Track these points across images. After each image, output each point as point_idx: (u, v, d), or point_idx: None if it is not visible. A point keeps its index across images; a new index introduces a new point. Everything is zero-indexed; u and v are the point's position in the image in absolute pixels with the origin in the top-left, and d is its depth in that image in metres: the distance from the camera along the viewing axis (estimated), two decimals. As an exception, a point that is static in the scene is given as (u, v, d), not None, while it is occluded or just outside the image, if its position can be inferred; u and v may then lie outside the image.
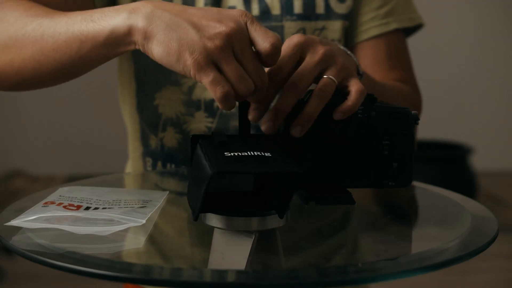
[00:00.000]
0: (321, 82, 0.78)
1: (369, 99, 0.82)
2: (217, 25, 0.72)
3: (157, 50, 0.74)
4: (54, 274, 2.54)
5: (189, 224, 0.84)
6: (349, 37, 1.14)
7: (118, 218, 0.76)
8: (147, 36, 0.75)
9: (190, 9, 0.75)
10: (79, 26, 0.80)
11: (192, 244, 0.80)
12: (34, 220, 0.76)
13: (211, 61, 0.72)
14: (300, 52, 0.79)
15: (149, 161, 1.13)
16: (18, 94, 4.00)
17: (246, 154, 0.72)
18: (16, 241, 0.72)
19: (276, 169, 0.71)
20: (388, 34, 1.14)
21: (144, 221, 0.76)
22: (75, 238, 0.73)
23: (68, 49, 0.82)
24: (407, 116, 0.82)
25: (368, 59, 1.14)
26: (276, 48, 0.73)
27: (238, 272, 0.66)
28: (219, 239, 0.73)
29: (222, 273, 0.65)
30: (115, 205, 0.81)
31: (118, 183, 1.08)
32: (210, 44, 0.72)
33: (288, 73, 0.78)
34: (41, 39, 0.84)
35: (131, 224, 0.75)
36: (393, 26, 1.14)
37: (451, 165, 3.17)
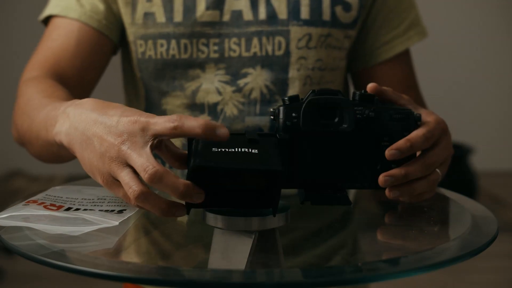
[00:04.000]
0: (434, 176, 0.83)
1: (369, 99, 0.82)
2: (115, 143, 0.73)
3: (81, 163, 0.78)
4: (54, 274, 2.54)
5: (189, 224, 0.84)
6: (368, 57, 1.15)
7: (91, 219, 0.76)
8: (72, 151, 0.79)
9: (93, 127, 0.75)
10: (44, 133, 0.88)
11: (192, 244, 0.80)
12: (8, 218, 0.76)
13: (114, 179, 0.74)
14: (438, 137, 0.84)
15: None
16: (18, 94, 4.01)
17: (233, 150, 0.72)
18: (16, 241, 0.72)
19: (254, 166, 0.70)
20: (406, 50, 1.17)
21: (117, 223, 0.76)
22: (75, 238, 0.73)
23: (44, 146, 0.92)
24: (408, 117, 0.82)
25: (396, 78, 1.16)
26: (176, 130, 0.72)
27: (238, 272, 0.66)
28: (219, 239, 0.73)
29: (222, 273, 0.66)
30: (98, 205, 0.81)
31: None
32: (111, 165, 0.73)
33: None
34: (32, 131, 0.95)
35: (104, 225, 0.75)
36: (416, 39, 1.16)
37: (451, 165, 3.17)
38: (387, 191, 0.81)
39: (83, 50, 1.10)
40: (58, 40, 1.10)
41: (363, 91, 0.83)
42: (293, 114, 0.80)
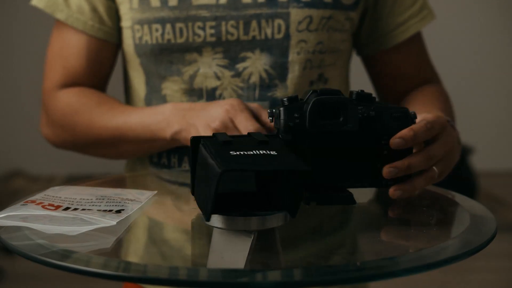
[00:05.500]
0: (431, 173, 0.85)
1: (368, 99, 0.82)
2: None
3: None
4: (54, 274, 2.54)
5: (189, 224, 0.84)
6: (384, 39, 1.15)
7: (89, 218, 0.76)
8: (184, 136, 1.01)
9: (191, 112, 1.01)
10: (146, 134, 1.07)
11: (191, 243, 0.80)
12: (6, 218, 0.76)
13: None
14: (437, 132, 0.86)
15: (155, 155, 1.13)
16: (18, 94, 4.00)
17: (252, 153, 0.72)
18: (16, 241, 0.72)
19: (286, 167, 0.71)
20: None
21: (115, 223, 0.76)
22: (73, 238, 0.73)
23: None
24: (406, 116, 0.82)
25: (413, 57, 1.18)
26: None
27: (237, 271, 0.66)
28: (218, 239, 0.73)
29: (221, 272, 0.66)
30: (96, 205, 0.81)
31: (122, 183, 1.09)
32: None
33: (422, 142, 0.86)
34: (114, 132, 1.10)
35: (101, 225, 0.75)
36: (429, 18, 1.17)
37: (451, 165, 3.16)
38: (391, 191, 0.83)
39: (89, 61, 1.14)
40: (64, 54, 1.14)
41: (360, 90, 0.83)
42: (295, 115, 0.80)
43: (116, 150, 1.12)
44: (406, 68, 1.18)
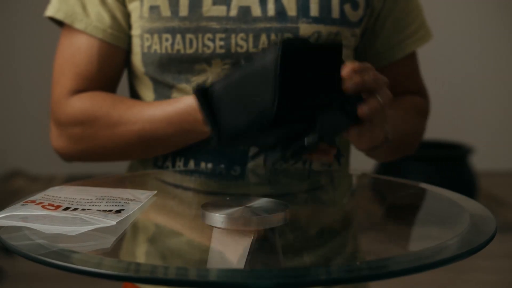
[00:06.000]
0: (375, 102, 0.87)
1: (302, 41, 0.82)
2: None
3: None
4: (54, 274, 2.55)
5: (188, 223, 0.84)
6: (382, 56, 1.17)
7: (89, 218, 0.76)
8: None
9: None
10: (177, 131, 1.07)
11: (191, 243, 0.80)
12: (5, 218, 0.77)
13: None
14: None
15: (160, 158, 1.13)
16: (18, 94, 4.01)
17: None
18: (16, 241, 0.72)
19: (328, 42, 0.72)
20: None
21: (114, 223, 0.76)
22: (73, 238, 0.73)
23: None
24: (340, 45, 0.83)
25: (406, 73, 1.20)
26: None
27: (237, 271, 0.66)
28: (218, 239, 0.73)
29: (220, 272, 0.66)
30: (96, 205, 0.81)
31: (122, 183, 1.09)
32: None
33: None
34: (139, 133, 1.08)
35: (101, 225, 0.75)
36: (426, 39, 1.19)
37: (451, 165, 3.17)
38: (359, 111, 0.84)
39: (101, 66, 1.13)
40: (75, 60, 1.13)
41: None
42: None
43: (146, 152, 1.11)
44: (399, 83, 1.19)
